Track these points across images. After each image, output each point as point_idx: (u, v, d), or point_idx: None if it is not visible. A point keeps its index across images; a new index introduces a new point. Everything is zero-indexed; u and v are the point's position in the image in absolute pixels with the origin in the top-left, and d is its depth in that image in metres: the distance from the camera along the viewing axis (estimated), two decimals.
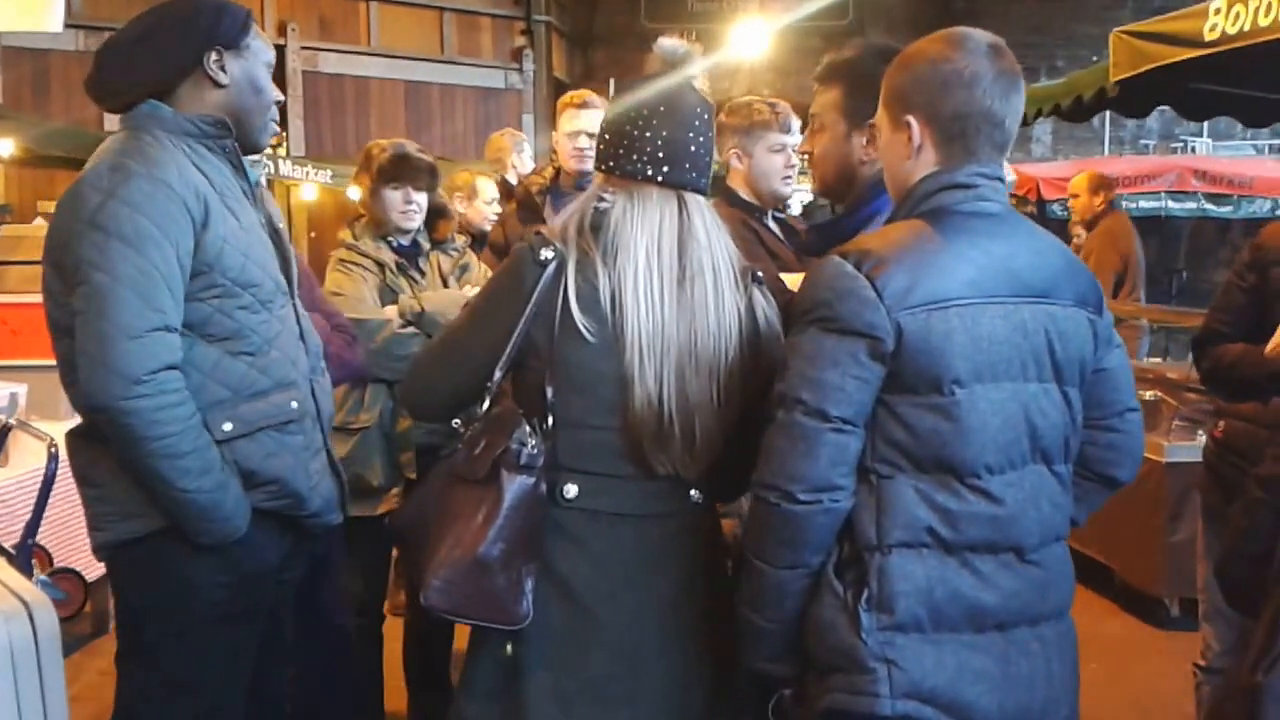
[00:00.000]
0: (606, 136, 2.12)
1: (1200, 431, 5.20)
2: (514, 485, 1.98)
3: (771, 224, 3.36)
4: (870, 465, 1.84)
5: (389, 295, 3.55)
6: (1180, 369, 5.86)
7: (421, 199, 3.60)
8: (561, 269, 2.04)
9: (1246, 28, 4.52)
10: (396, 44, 12.52)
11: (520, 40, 13.22)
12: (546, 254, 2.04)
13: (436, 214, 3.73)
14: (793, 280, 2.76)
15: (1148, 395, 5.52)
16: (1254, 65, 5.53)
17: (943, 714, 1.79)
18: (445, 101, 12.84)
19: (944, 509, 1.82)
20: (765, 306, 2.14)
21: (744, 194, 3.27)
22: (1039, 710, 1.88)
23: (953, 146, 1.91)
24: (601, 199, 2.10)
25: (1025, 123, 7.95)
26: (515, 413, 2.04)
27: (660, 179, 2.07)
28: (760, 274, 2.18)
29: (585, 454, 2.06)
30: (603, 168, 2.13)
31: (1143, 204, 9.66)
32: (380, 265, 3.57)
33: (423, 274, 3.66)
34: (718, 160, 3.42)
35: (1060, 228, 9.69)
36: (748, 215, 3.25)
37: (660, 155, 2.06)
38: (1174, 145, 13.44)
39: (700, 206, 2.12)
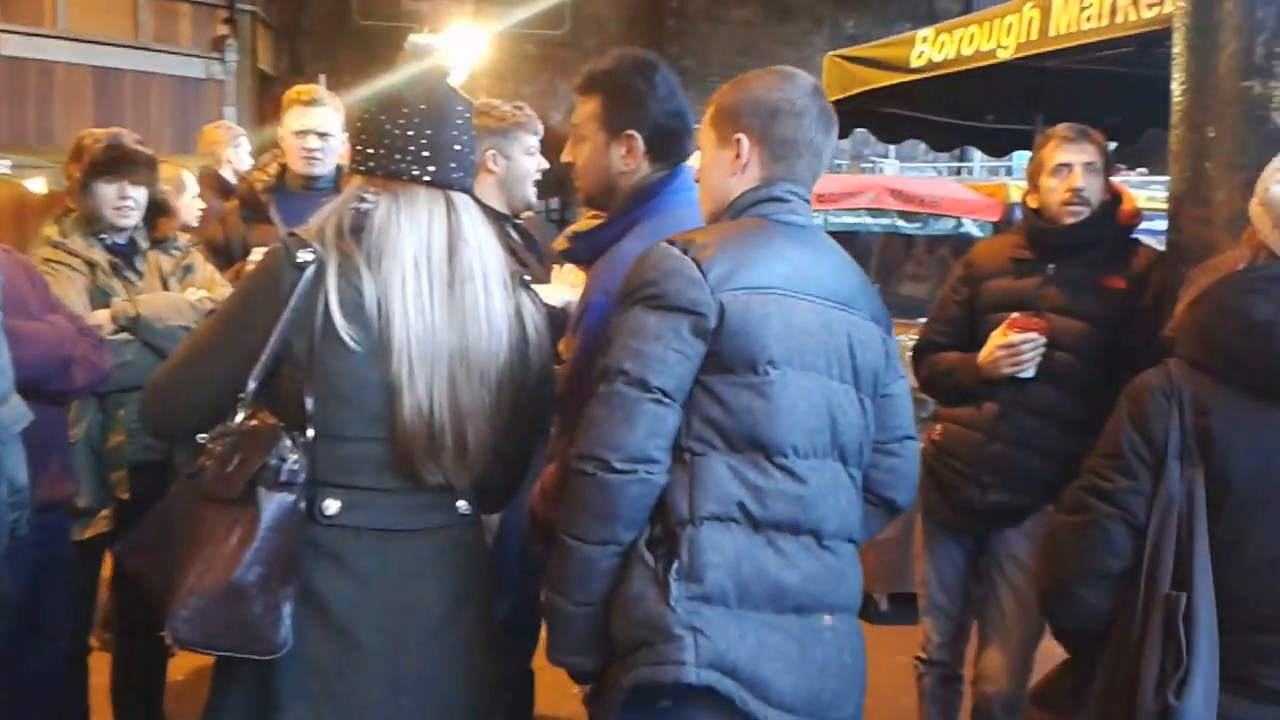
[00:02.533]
0: (363, 136, 2.04)
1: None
2: (273, 504, 1.86)
3: (514, 233, 3.32)
4: (685, 444, 1.90)
5: (101, 298, 3.26)
6: None
7: (139, 194, 3.33)
8: (321, 273, 1.93)
9: (951, 55, 4.86)
10: (86, 27, 11.61)
11: (222, 29, 12.55)
12: (304, 256, 1.93)
13: (157, 210, 3.46)
14: (544, 291, 2.73)
15: None
16: (944, 93, 5.96)
17: (742, 688, 1.83)
18: (139, 90, 12.01)
19: (754, 485, 1.89)
20: (534, 312, 2.13)
21: (492, 200, 3.21)
22: (829, 699, 1.92)
23: (777, 166, 2.05)
24: (363, 199, 2.01)
25: None
26: (274, 426, 1.92)
27: (427, 179, 2.01)
28: (529, 279, 2.16)
29: (348, 467, 1.96)
30: (361, 169, 2.04)
31: (844, 220, 10.21)
32: (91, 265, 3.28)
33: (140, 275, 3.39)
34: None
35: None
36: (494, 224, 3.19)
37: (425, 154, 2.00)
38: (864, 165, 14.31)
39: (469, 207, 2.07)
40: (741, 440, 1.90)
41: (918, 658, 3.51)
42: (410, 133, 2.00)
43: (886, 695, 4.40)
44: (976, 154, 12.73)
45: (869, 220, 10.38)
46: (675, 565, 1.84)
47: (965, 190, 10.83)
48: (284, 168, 3.93)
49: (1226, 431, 1.82)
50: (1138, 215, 3.22)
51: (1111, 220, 3.16)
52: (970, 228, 10.18)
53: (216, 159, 5.29)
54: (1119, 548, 1.89)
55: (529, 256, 3.31)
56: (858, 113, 6.68)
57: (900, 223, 10.47)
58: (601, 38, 14.02)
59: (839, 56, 5.78)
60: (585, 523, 1.88)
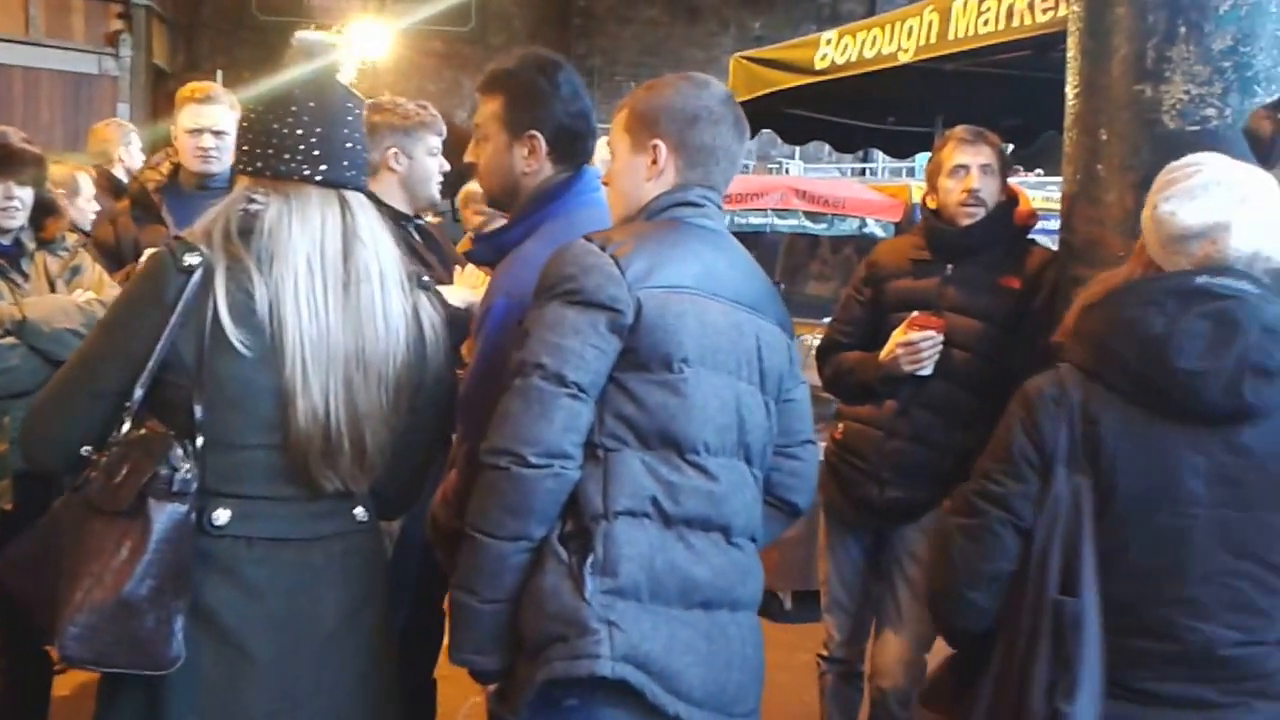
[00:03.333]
0: (250, 136, 1.99)
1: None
2: (164, 515, 1.81)
3: (415, 233, 3.28)
4: (599, 440, 1.90)
5: None
6: None
7: (25, 194, 3.20)
8: (209, 276, 1.88)
9: (854, 59, 4.91)
10: None
11: (117, 24, 12.19)
12: (191, 260, 1.88)
13: (44, 211, 3.33)
14: (446, 292, 2.69)
15: None
16: (847, 94, 6.03)
17: (654, 681, 1.83)
18: (29, 86, 11.62)
19: (667, 481, 1.90)
20: (432, 313, 2.10)
21: (394, 199, 3.15)
22: (732, 694, 1.93)
23: (694, 172, 2.08)
24: (251, 201, 1.96)
25: None
26: (164, 435, 1.86)
27: (319, 178, 1.97)
28: (427, 279, 2.13)
29: (239, 476, 1.91)
30: (249, 169, 1.99)
31: (752, 220, 10.29)
32: None
33: (26, 277, 3.26)
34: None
35: None
36: (395, 223, 3.15)
37: (316, 153, 1.96)
38: (770, 166, 14.45)
39: (364, 206, 2.03)
40: (655, 437, 1.92)
41: (819, 655, 3.54)
42: (300, 131, 1.95)
43: (790, 692, 4.43)
44: (880, 155, 12.92)
45: (776, 220, 10.47)
46: (590, 559, 1.84)
47: (869, 191, 10.97)
48: (177, 167, 3.82)
49: (1114, 440, 1.84)
50: (1033, 216, 3.28)
51: (1008, 221, 3.21)
52: (874, 228, 10.31)
53: (108, 158, 5.13)
54: (1007, 551, 1.91)
55: (431, 257, 3.26)
56: (764, 114, 6.73)
57: (806, 223, 10.57)
58: (508, 35, 13.95)
59: (745, 58, 5.82)
60: (497, 517, 1.86)
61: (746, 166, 14.90)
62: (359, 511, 2.03)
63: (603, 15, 14.59)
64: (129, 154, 5.18)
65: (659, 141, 2.07)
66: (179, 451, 1.84)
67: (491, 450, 1.87)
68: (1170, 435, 1.81)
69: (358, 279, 1.97)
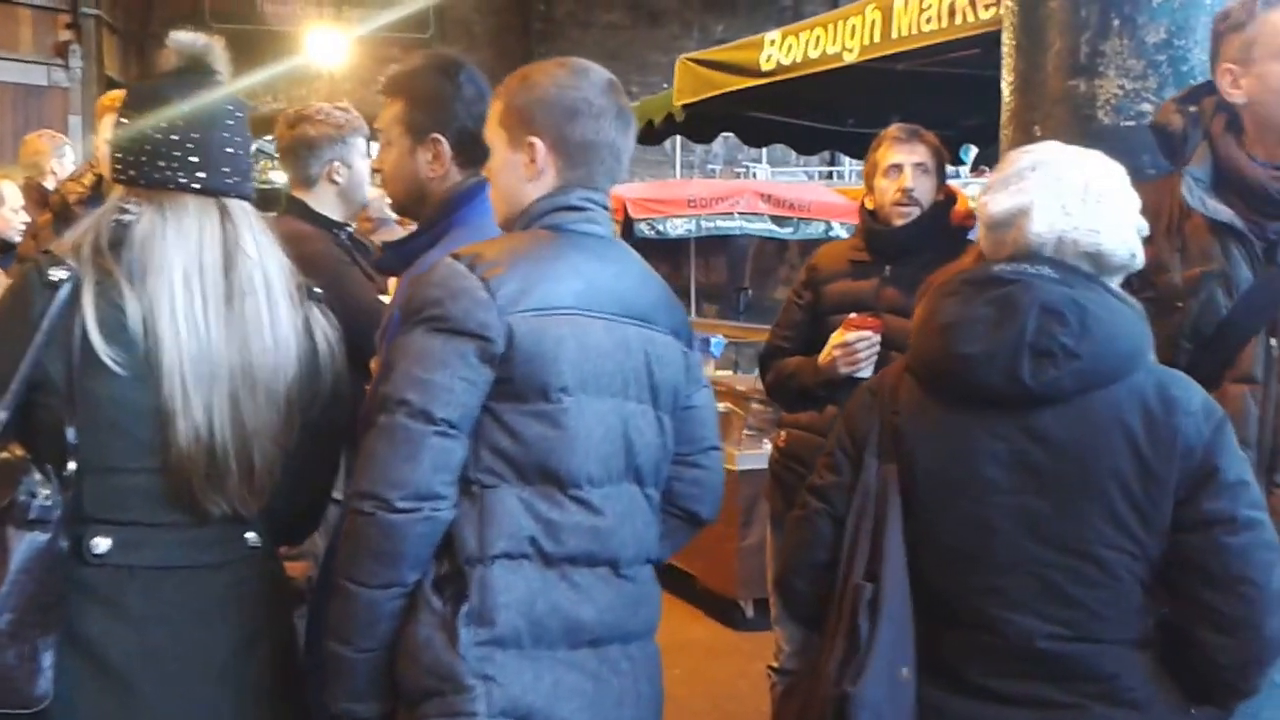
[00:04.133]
0: (124, 143, 1.90)
1: (766, 440, 5.50)
2: (23, 544, 1.71)
3: (346, 240, 3.21)
4: (473, 476, 1.79)
5: None
6: (748, 381, 6.20)
7: None
8: (77, 292, 1.79)
9: (799, 59, 4.86)
10: None
11: (65, 34, 12.03)
12: (56, 275, 1.79)
13: None
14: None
15: (720, 407, 5.79)
16: (805, 97, 5.98)
17: None
18: None
19: (547, 520, 1.80)
20: (325, 326, 2.01)
21: (329, 209, 3.11)
22: None
23: (575, 172, 1.93)
24: (124, 211, 1.87)
25: None
26: (21, 459, 1.77)
27: (196, 186, 1.88)
28: (318, 290, 2.04)
29: (118, 502, 1.82)
30: (122, 178, 1.90)
31: (719, 224, 10.28)
32: None
33: None
34: (293, 173, 3.23)
35: (644, 246, 10.11)
36: (328, 232, 3.08)
37: (193, 160, 1.87)
38: (737, 170, 14.42)
39: (247, 214, 1.94)
40: (533, 472, 1.81)
41: (769, 666, 3.49)
42: (175, 137, 1.87)
43: (746, 701, 4.39)
44: (847, 158, 12.90)
45: (743, 224, 10.46)
46: (465, 608, 1.74)
47: (834, 194, 10.98)
48: (100, 178, 3.74)
49: (913, 429, 1.83)
50: (971, 216, 3.22)
51: (945, 221, 3.16)
52: (840, 231, 10.31)
53: (40, 169, 5.01)
54: (824, 540, 1.90)
55: (363, 263, 3.18)
56: (724, 117, 6.69)
57: (773, 227, 10.58)
58: (468, 42, 13.83)
59: (691, 60, 5.76)
60: (367, 566, 1.75)
61: (713, 170, 14.88)
62: (251, 537, 1.93)
63: (563, 20, 14.52)
64: (61, 166, 5.07)
65: (535, 139, 1.92)
66: (36, 476, 1.75)
67: (357, 494, 1.75)
68: (967, 422, 1.78)
69: (241, 291, 1.88)
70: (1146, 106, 2.68)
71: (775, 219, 10.51)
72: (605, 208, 1.97)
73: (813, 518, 1.94)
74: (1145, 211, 1.90)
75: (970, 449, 1.77)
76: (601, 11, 14.89)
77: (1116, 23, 2.68)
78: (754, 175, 13.38)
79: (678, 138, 10.01)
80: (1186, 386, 1.75)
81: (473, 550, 1.76)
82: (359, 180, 3.15)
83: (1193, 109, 2.30)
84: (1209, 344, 2.16)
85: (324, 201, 3.14)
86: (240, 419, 1.86)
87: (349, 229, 3.29)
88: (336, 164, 3.09)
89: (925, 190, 3.11)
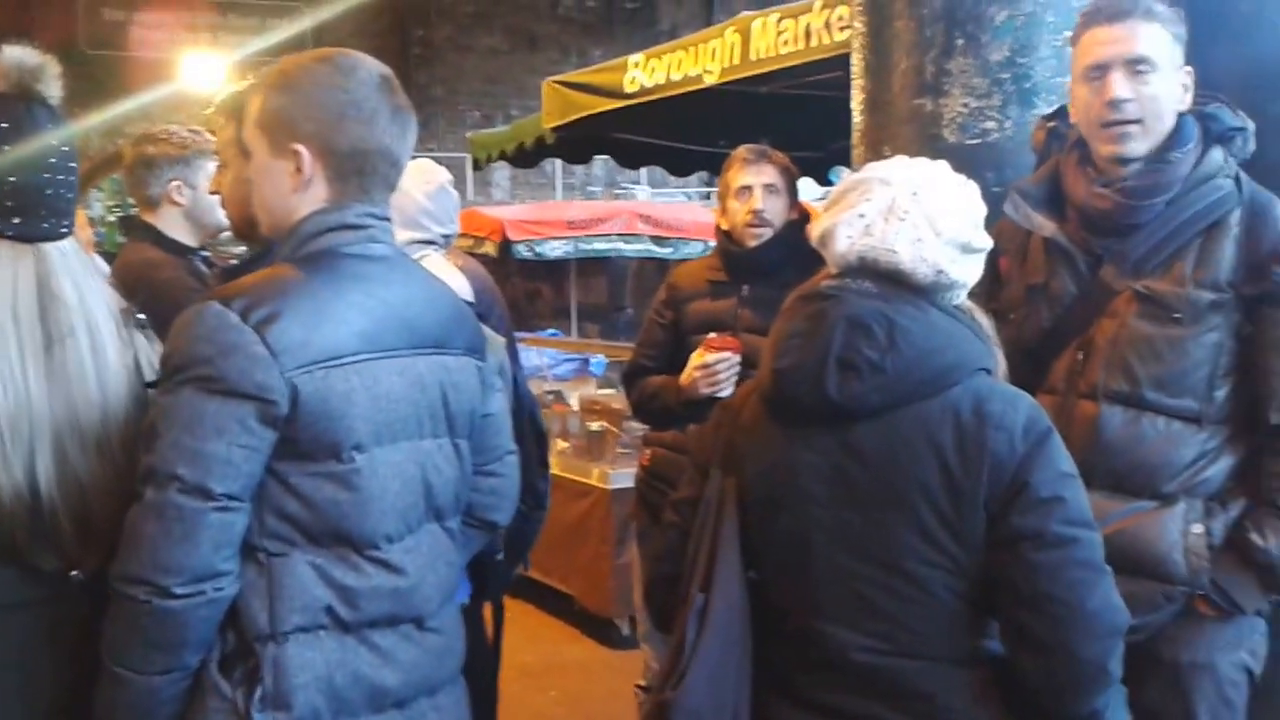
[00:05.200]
0: None
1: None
2: None
3: (201, 265, 3.14)
4: (258, 543, 1.64)
5: None
6: (624, 399, 6.21)
7: None
8: None
9: (661, 81, 4.90)
10: None
11: None
12: None
13: None
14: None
15: (595, 426, 5.79)
16: (675, 119, 6.03)
17: None
18: None
19: (342, 586, 1.67)
20: (150, 353, 1.89)
21: (178, 232, 3.05)
22: None
23: (348, 184, 1.74)
24: None
25: (478, 167, 8.23)
26: None
27: (10, 233, 1.76)
28: (143, 317, 1.92)
29: None
30: None
31: (597, 245, 10.31)
32: None
33: None
34: (137, 196, 3.15)
35: (524, 267, 10.09)
36: (181, 258, 3.01)
37: (8, 205, 1.75)
38: (617, 191, 14.48)
39: (65, 257, 1.80)
40: (326, 535, 1.66)
41: (637, 685, 3.48)
42: None
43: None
44: None
45: (621, 245, 10.51)
46: (258, 693, 1.61)
47: (711, 214, 11.05)
48: None
49: (747, 444, 1.82)
50: None
51: (799, 240, 3.19)
52: None
53: None
54: (670, 552, 1.89)
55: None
56: (597, 140, 6.72)
57: (653, 247, 10.65)
58: None
59: (557, 82, 5.77)
60: (141, 654, 1.59)
61: (595, 192, 14.93)
62: (77, 573, 1.80)
63: (442, 44, 14.47)
64: None
65: (300, 147, 1.72)
66: None
67: (124, 578, 1.58)
68: (791, 436, 1.77)
69: (61, 339, 1.76)
70: (990, 124, 2.76)
71: (655, 239, 10.58)
72: (386, 220, 1.81)
73: (667, 531, 1.94)
74: (1000, 228, 1.92)
75: (792, 462, 1.76)
76: (481, 36, 14.86)
77: (961, 42, 2.74)
78: (634, 196, 13.45)
79: (558, 160, 10.03)
80: (1007, 401, 1.70)
81: (263, 627, 1.63)
82: (206, 202, 3.08)
83: (1051, 125, 2.36)
84: (1029, 355, 2.22)
85: (171, 224, 3.07)
86: (71, 474, 1.75)
87: (203, 254, 3.22)
88: (177, 184, 3.03)
89: (775, 210, 3.14)
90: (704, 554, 1.80)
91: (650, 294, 12.69)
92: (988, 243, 1.80)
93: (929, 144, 2.75)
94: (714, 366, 3.04)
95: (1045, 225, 2.24)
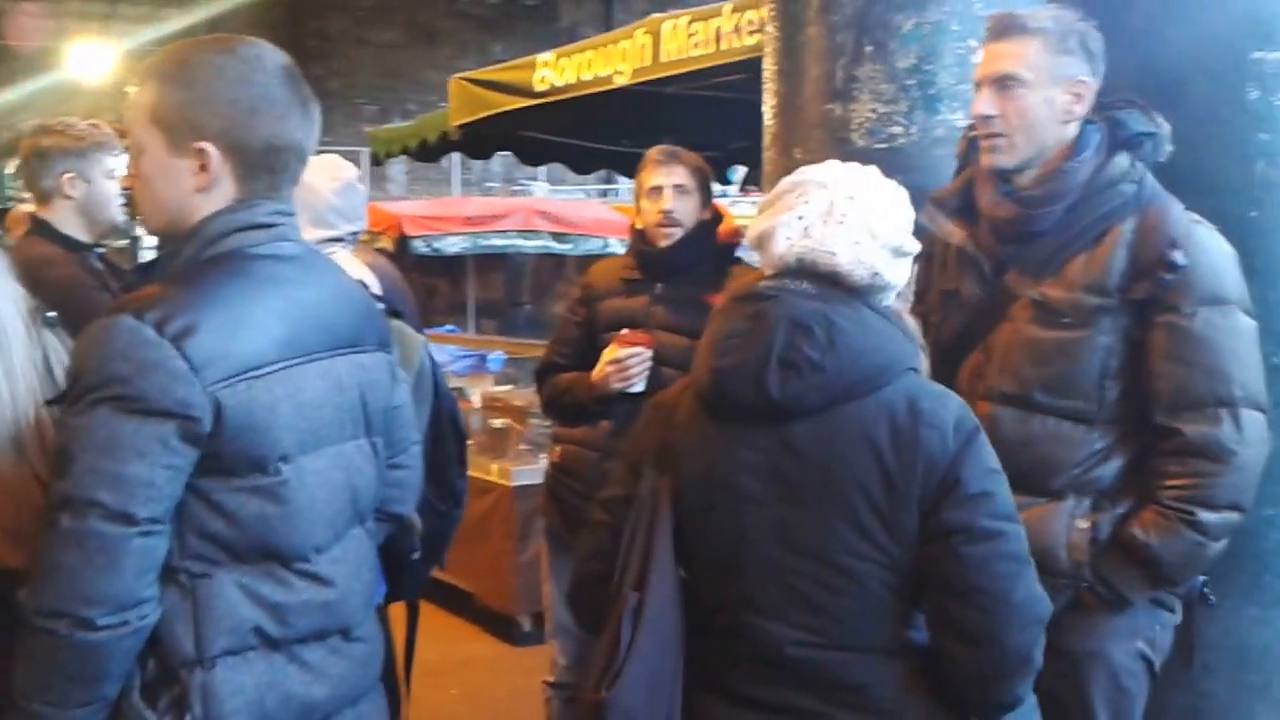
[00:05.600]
0: None
1: (542, 455, 5.52)
2: None
3: (97, 262, 3.07)
4: (180, 565, 1.56)
5: None
6: (526, 396, 6.20)
7: None
8: None
9: (572, 81, 4.92)
10: None
11: None
12: None
13: None
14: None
15: (498, 423, 5.78)
16: (579, 117, 6.06)
17: None
18: None
19: (272, 604, 1.61)
20: (61, 352, 1.82)
21: (71, 227, 2.97)
22: None
23: (258, 182, 1.65)
24: None
25: (378, 162, 8.15)
26: None
27: None
28: (52, 315, 1.86)
29: None
30: None
31: (495, 241, 10.28)
32: None
33: None
34: (32, 189, 3.06)
35: (421, 262, 10.00)
36: (76, 254, 2.93)
37: None
38: (515, 188, 14.44)
39: None
40: (252, 552, 1.60)
41: (545, 681, 3.49)
42: None
43: (525, 717, 4.37)
44: (623, 177, 13.10)
45: (520, 242, 10.50)
46: None
47: (611, 211, 11.13)
48: None
49: (683, 442, 1.84)
50: (737, 234, 3.32)
51: (711, 239, 3.24)
52: (617, 247, 10.45)
53: None
54: (604, 552, 1.88)
55: (116, 287, 3.04)
56: (500, 136, 6.71)
57: (552, 244, 10.65)
58: None
59: (465, 79, 5.75)
60: (60, 689, 1.51)
61: (492, 189, 14.87)
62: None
63: (338, 37, 14.26)
64: None
65: (207, 145, 1.62)
66: None
67: (41, 611, 1.48)
68: (728, 435, 1.80)
69: None
70: (897, 129, 2.83)
71: (554, 236, 10.59)
72: (292, 215, 1.72)
73: (596, 530, 1.93)
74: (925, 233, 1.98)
75: (729, 460, 1.78)
76: (378, 30, 14.68)
77: (870, 49, 2.81)
78: (531, 193, 13.43)
79: (456, 155, 9.97)
80: (938, 400, 1.76)
81: (188, 652, 1.55)
82: (100, 197, 3.01)
83: (972, 135, 2.42)
84: (945, 357, 2.30)
85: (66, 220, 3.01)
86: None
87: (100, 250, 3.15)
88: (71, 176, 2.98)
89: (686, 210, 3.18)
90: (637, 552, 1.80)
91: (548, 290, 12.73)
92: (916, 246, 1.86)
93: (838, 148, 2.81)
94: (625, 361, 3.07)
95: (955, 233, 2.32)
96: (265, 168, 1.66)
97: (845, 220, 1.78)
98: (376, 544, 1.93)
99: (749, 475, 1.77)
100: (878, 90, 2.79)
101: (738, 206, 7.27)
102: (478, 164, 13.60)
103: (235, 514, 1.57)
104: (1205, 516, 2.13)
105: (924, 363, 1.88)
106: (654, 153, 3.23)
